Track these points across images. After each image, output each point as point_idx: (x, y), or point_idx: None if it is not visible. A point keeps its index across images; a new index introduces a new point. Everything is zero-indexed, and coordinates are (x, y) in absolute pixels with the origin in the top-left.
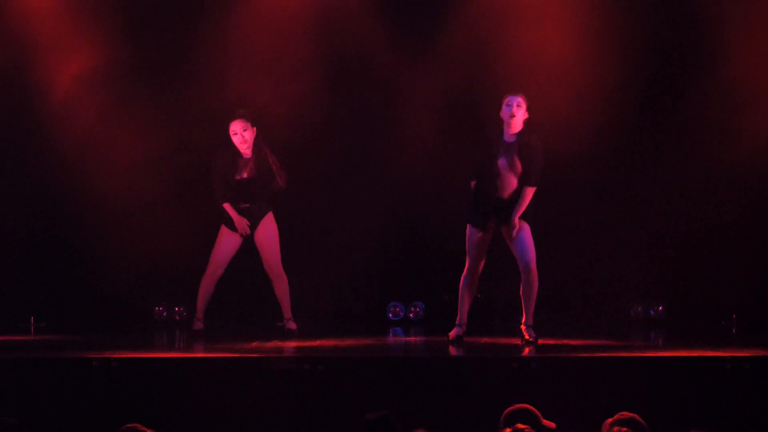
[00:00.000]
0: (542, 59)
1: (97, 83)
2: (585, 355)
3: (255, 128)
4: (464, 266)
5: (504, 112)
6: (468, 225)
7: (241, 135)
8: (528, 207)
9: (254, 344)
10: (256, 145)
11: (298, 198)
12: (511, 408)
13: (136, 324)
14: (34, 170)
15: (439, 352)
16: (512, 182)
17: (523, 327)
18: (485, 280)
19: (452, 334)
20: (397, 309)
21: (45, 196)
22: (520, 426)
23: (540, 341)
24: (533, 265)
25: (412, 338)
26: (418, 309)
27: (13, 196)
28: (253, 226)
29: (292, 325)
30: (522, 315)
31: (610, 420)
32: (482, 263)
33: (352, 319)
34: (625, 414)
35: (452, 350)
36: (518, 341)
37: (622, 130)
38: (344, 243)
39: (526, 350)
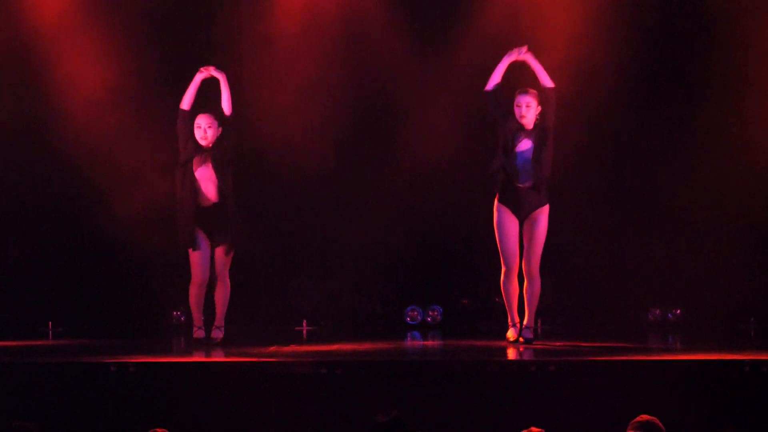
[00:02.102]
0: (557, 58)
1: (119, 92)
2: (602, 358)
3: (221, 129)
4: (486, 270)
5: (515, 112)
6: (496, 222)
7: (204, 130)
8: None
9: (272, 348)
10: (218, 145)
11: (316, 201)
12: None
13: (153, 328)
14: (53, 176)
15: (456, 355)
16: (530, 171)
17: (525, 328)
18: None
19: (511, 335)
20: (415, 313)
21: (62, 201)
22: (535, 430)
23: (550, 344)
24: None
25: (430, 342)
26: (435, 313)
27: (30, 201)
28: (218, 228)
29: (219, 334)
30: (525, 317)
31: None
32: (518, 262)
33: (370, 323)
34: (644, 417)
35: (469, 354)
36: (537, 345)
37: (640, 132)
38: (362, 247)
39: (521, 348)
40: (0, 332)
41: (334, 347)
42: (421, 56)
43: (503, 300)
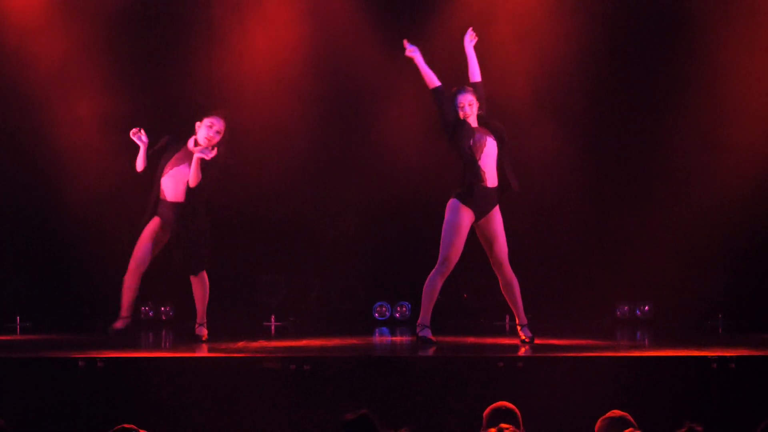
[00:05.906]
0: (531, 55)
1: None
2: (571, 354)
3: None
4: (456, 266)
5: (459, 113)
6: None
7: (214, 134)
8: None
9: (241, 344)
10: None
11: (285, 197)
12: (493, 406)
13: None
14: (20, 171)
15: (424, 351)
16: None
17: (519, 327)
18: (469, 279)
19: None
20: (383, 309)
21: (31, 196)
22: (504, 426)
23: (518, 340)
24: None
25: (398, 338)
26: (404, 309)
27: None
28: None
29: (204, 331)
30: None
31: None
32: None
33: (339, 319)
34: (616, 412)
35: (437, 350)
36: (505, 341)
37: (611, 131)
38: (331, 243)
39: (522, 350)
40: None
41: (303, 343)
42: (395, 54)
43: (447, 297)
